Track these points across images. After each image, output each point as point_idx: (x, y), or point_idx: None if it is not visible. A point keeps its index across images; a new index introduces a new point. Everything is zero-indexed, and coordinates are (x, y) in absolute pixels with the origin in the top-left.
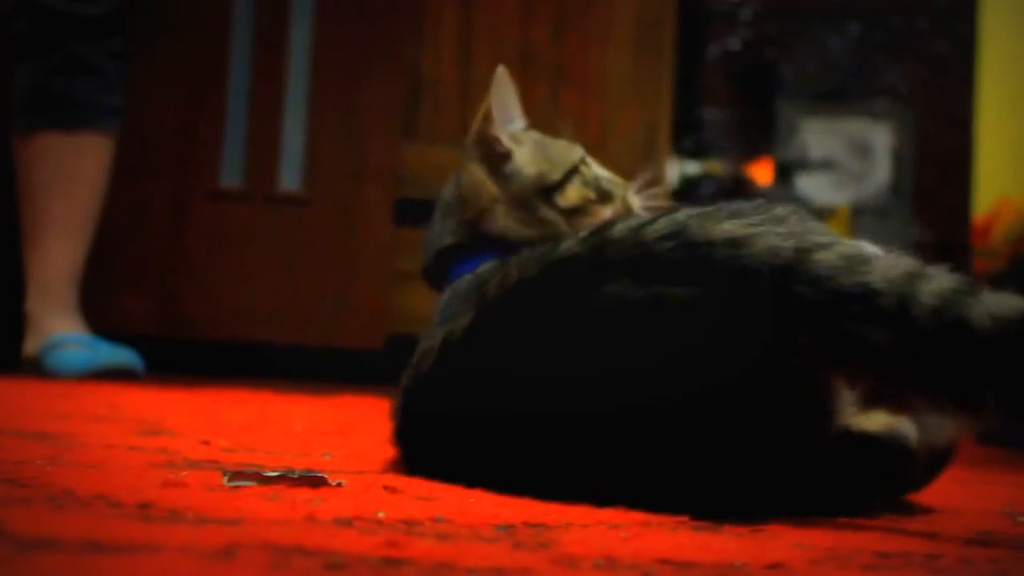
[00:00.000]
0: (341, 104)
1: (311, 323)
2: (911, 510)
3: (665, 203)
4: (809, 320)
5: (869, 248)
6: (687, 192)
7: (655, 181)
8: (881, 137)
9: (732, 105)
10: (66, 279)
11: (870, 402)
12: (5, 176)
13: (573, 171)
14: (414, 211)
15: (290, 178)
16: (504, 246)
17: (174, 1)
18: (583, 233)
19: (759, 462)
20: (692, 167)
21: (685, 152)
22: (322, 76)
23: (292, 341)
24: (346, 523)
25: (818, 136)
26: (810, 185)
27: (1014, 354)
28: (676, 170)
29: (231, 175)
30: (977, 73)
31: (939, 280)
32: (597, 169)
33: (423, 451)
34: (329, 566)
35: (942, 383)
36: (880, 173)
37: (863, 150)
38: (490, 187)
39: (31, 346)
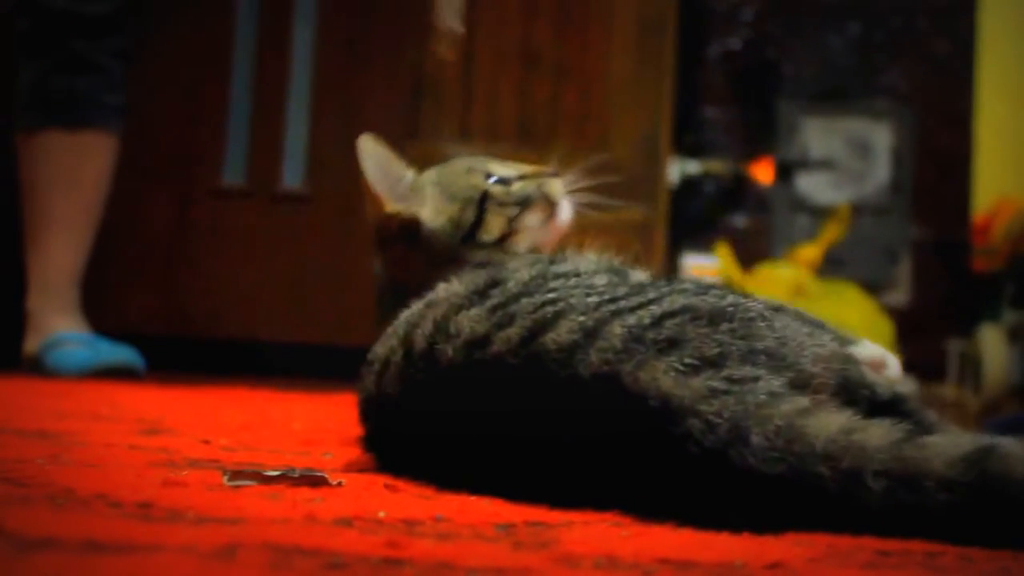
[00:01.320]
0: (343, 103)
1: (313, 321)
2: None
3: (587, 187)
4: (742, 501)
5: (805, 399)
6: (688, 191)
7: (584, 167)
8: (881, 136)
9: (732, 104)
10: (67, 278)
11: None
12: (7, 175)
13: (484, 199)
14: None
15: (292, 176)
16: None
17: (178, 1)
18: (516, 331)
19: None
20: (693, 166)
21: (686, 151)
22: (325, 75)
23: (293, 339)
24: (346, 523)
25: (818, 135)
26: (810, 184)
27: (977, 515)
28: (677, 169)
29: (234, 173)
30: (977, 72)
31: (883, 431)
32: (503, 169)
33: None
34: (329, 566)
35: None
36: (880, 172)
37: (863, 149)
38: (416, 259)
39: (32, 344)
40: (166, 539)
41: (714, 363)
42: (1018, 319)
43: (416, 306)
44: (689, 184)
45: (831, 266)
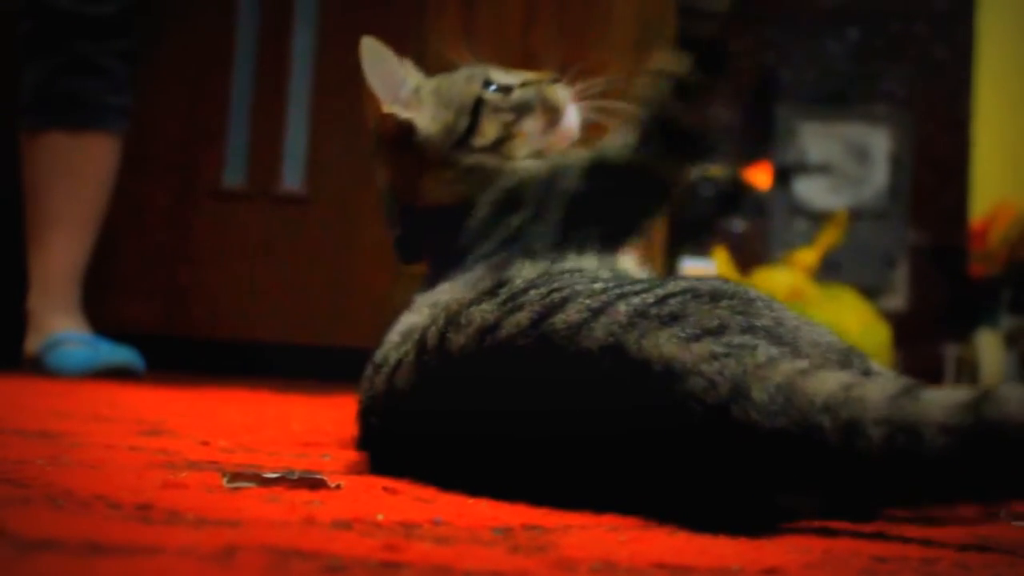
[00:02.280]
0: (343, 105)
1: (312, 322)
2: (907, 515)
3: (602, 97)
4: (745, 457)
5: (803, 360)
6: (686, 195)
7: (588, 71)
8: (879, 141)
9: (731, 109)
10: (68, 278)
11: None
12: (10, 175)
13: (479, 105)
14: None
15: (292, 178)
16: (448, 213)
17: (179, 3)
18: (526, 315)
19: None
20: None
21: None
22: (324, 78)
23: (293, 340)
24: (345, 525)
25: (817, 140)
26: (808, 188)
27: (976, 463)
28: None
29: (234, 175)
30: (975, 78)
31: (881, 385)
32: (505, 77)
33: (389, 465)
34: (327, 569)
35: (907, 498)
36: (878, 177)
37: (861, 154)
38: (409, 165)
39: (32, 344)
40: (166, 541)
41: (715, 332)
42: (1015, 324)
43: (425, 309)
44: (688, 188)
45: (828, 271)
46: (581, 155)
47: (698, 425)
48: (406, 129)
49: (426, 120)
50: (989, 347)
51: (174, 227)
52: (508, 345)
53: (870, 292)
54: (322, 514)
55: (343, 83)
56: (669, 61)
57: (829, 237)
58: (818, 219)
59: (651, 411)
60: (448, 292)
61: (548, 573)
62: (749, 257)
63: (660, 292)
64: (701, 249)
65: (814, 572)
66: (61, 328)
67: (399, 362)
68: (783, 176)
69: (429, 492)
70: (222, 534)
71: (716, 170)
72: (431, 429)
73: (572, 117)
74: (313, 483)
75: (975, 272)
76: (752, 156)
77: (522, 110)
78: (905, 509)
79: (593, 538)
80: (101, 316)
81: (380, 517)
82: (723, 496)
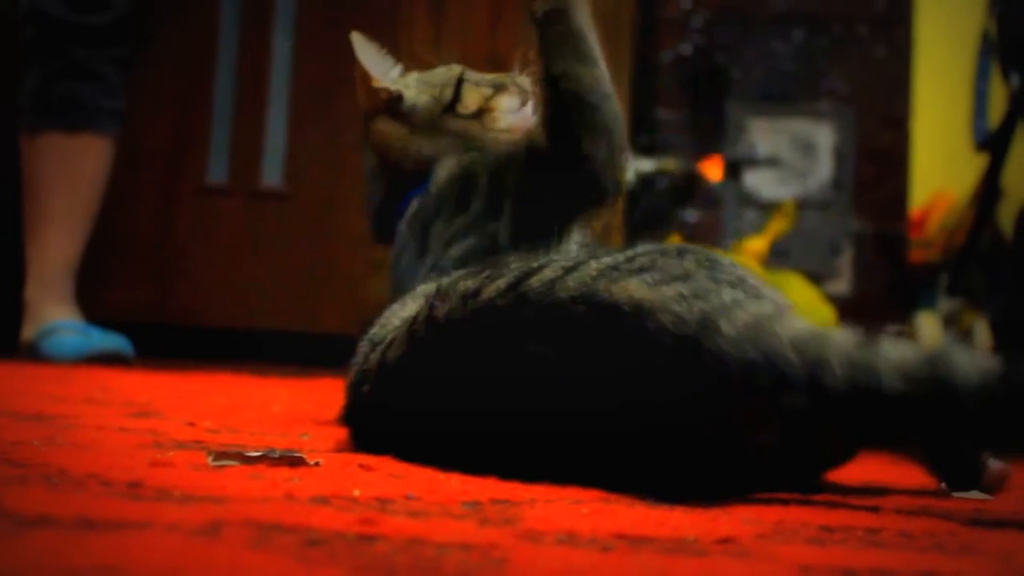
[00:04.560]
0: (320, 107)
1: (291, 310)
2: (854, 487)
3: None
4: (716, 388)
5: (770, 305)
6: (643, 187)
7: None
8: (823, 136)
9: (684, 106)
10: (63, 270)
11: None
12: (9, 174)
13: (460, 82)
14: None
15: (272, 175)
16: (425, 177)
17: (164, 13)
18: (502, 281)
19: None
20: (647, 164)
21: (641, 150)
22: (302, 81)
23: (273, 327)
24: (323, 501)
25: (765, 135)
26: (757, 180)
27: (927, 408)
28: (632, 167)
29: (217, 173)
30: (913, 77)
31: (844, 334)
32: (479, 76)
33: (373, 438)
34: (308, 542)
35: (861, 435)
36: (823, 169)
37: (807, 148)
38: (398, 129)
39: (28, 332)
40: (154, 517)
41: (682, 279)
42: (952, 307)
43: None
44: (644, 181)
45: (777, 257)
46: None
47: (669, 358)
48: (396, 99)
49: (413, 93)
50: (928, 328)
51: (162, 221)
52: (488, 306)
53: (816, 277)
54: (302, 490)
55: (320, 85)
56: None
57: (777, 226)
58: (767, 209)
59: (622, 348)
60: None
61: (516, 544)
62: (703, 245)
63: (630, 253)
64: (657, 238)
65: (766, 542)
66: (56, 317)
67: (392, 340)
68: (734, 169)
69: (402, 468)
70: (207, 510)
71: (671, 164)
72: (417, 394)
73: (531, 106)
74: (293, 461)
75: (914, 258)
76: (705, 151)
77: (498, 87)
78: (863, 449)
79: (557, 511)
80: (93, 305)
81: (356, 493)
82: (693, 441)
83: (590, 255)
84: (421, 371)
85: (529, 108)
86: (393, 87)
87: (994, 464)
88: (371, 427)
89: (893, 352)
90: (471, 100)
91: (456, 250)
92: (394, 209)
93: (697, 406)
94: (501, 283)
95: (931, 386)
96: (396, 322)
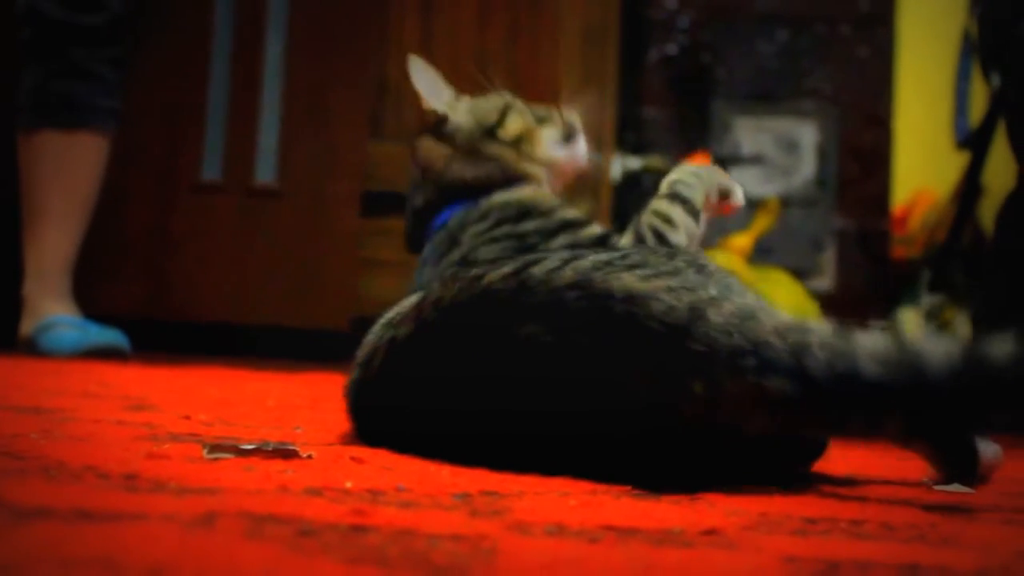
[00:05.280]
0: (312, 106)
1: (284, 306)
2: (837, 480)
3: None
4: (705, 372)
5: (753, 298)
6: (629, 185)
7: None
8: (807, 134)
9: (670, 105)
10: (61, 266)
11: None
12: (8, 172)
13: (506, 109)
14: (379, 203)
15: (265, 173)
16: (466, 191)
17: (159, 14)
18: (506, 268)
19: (676, 458)
20: (633, 162)
21: (627, 148)
22: (295, 81)
23: (266, 322)
24: (316, 492)
25: (749, 133)
26: (742, 178)
27: (900, 389)
28: (619, 165)
29: (212, 170)
30: (895, 76)
31: (820, 327)
32: (527, 106)
33: (375, 430)
34: (300, 533)
35: (843, 421)
36: (806, 167)
37: (790, 146)
38: (441, 148)
39: (27, 327)
40: (150, 508)
41: (672, 274)
42: (934, 302)
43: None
44: (630, 179)
45: (762, 254)
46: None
47: (659, 344)
48: (441, 120)
49: (460, 116)
50: (910, 323)
51: (157, 218)
52: (490, 289)
53: (800, 273)
54: (295, 482)
55: (312, 85)
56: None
57: (762, 223)
58: (751, 206)
59: (613, 331)
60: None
61: (505, 535)
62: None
63: (623, 251)
64: None
65: (750, 533)
66: (53, 312)
67: (404, 317)
68: (719, 167)
69: (393, 461)
70: (202, 501)
71: (657, 161)
72: (420, 372)
73: (583, 143)
74: (286, 453)
75: (896, 255)
76: (690, 148)
77: (543, 119)
78: (844, 438)
79: (546, 502)
80: (90, 300)
81: (348, 484)
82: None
83: (589, 250)
84: (424, 350)
85: (575, 144)
86: (441, 108)
87: (986, 452)
88: (376, 403)
89: (867, 340)
90: (513, 126)
91: (487, 251)
92: (429, 221)
93: (685, 391)
94: (505, 270)
95: (903, 368)
96: (413, 299)
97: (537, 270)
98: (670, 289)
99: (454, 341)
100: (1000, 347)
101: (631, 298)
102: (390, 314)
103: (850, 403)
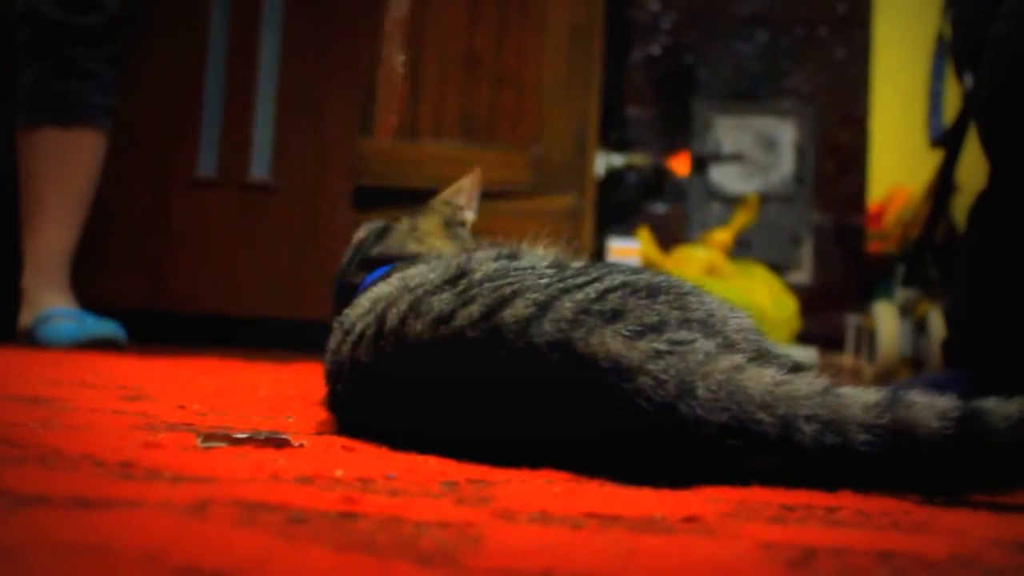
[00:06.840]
0: (306, 103)
1: (278, 298)
2: None
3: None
4: (692, 450)
5: (740, 355)
6: (613, 181)
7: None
8: (786, 132)
9: (653, 104)
10: (59, 259)
11: None
12: (8, 167)
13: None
14: (371, 197)
15: (260, 168)
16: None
17: (155, 13)
18: (477, 307)
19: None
20: (617, 159)
21: (611, 146)
22: (289, 78)
23: (261, 314)
24: (307, 481)
25: (730, 132)
26: (722, 175)
27: (891, 459)
28: (603, 162)
29: (207, 165)
30: (871, 77)
31: (807, 387)
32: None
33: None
34: (292, 520)
35: (833, 485)
36: (785, 164)
37: (770, 144)
38: (439, 232)
39: (25, 319)
40: (145, 496)
41: (656, 329)
42: (908, 297)
43: (396, 282)
44: (614, 175)
45: (741, 249)
46: None
47: (647, 422)
48: (462, 222)
49: (471, 217)
50: (885, 317)
51: (154, 213)
52: (459, 336)
53: (778, 268)
54: (286, 470)
55: (306, 81)
56: None
57: (741, 218)
58: (731, 202)
59: (601, 406)
60: (421, 271)
61: (491, 522)
62: (670, 236)
63: (600, 287)
64: (627, 229)
65: (729, 520)
66: (52, 304)
67: (362, 335)
68: (700, 164)
69: (383, 450)
70: (196, 489)
71: (640, 159)
72: (387, 402)
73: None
74: (278, 442)
75: (872, 250)
76: (672, 146)
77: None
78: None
79: (531, 490)
80: (88, 293)
81: (339, 473)
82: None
83: (560, 284)
84: (388, 385)
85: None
86: (467, 216)
87: None
88: (348, 419)
89: (858, 406)
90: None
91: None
92: (379, 264)
93: (673, 466)
94: (474, 311)
95: (896, 438)
96: (366, 303)
97: (509, 316)
98: (657, 354)
99: (420, 389)
100: (999, 410)
101: (617, 368)
102: (351, 316)
103: (838, 473)
